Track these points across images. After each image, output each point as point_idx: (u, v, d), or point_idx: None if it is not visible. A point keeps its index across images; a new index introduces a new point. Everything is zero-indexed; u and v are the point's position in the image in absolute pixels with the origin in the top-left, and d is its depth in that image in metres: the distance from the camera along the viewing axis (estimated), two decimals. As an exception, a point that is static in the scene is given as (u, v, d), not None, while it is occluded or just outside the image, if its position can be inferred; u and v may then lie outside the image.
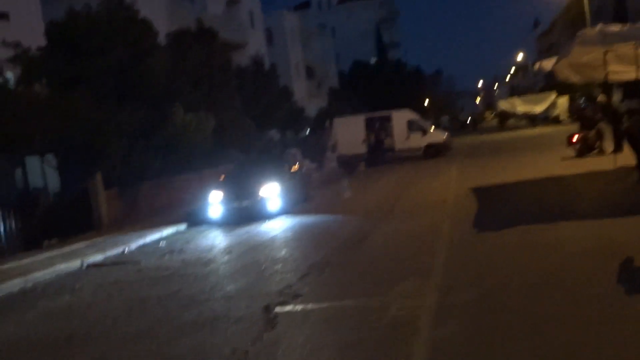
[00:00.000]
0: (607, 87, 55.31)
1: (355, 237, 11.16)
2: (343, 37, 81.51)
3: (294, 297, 7.18)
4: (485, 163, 23.83)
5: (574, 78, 15.84)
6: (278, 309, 6.77)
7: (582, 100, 56.85)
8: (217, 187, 17.02)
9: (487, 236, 9.46)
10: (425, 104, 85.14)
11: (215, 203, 16.41)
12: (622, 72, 15.75)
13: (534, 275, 6.91)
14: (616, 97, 32.45)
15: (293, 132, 35.89)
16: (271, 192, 16.39)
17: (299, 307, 6.82)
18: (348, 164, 31.44)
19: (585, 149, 19.88)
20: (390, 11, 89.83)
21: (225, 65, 25.26)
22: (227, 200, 16.36)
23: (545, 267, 7.19)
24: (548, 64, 15.86)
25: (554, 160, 20.47)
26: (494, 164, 22.88)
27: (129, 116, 18.41)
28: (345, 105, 44.42)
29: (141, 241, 13.86)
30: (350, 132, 32.25)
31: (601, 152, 19.75)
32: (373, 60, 73.44)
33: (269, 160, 20.38)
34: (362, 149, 32.23)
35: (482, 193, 14.65)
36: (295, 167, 19.72)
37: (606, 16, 61.71)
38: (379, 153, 32.41)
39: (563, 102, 55.70)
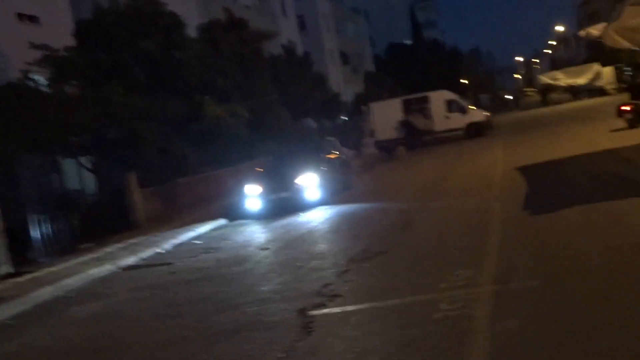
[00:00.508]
0: (654, 54, 52.45)
1: (398, 225, 10.55)
2: (377, 20, 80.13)
3: (332, 298, 6.59)
4: (530, 140, 22.84)
5: (625, 44, 14.77)
6: (314, 312, 6.20)
7: (630, 69, 54.80)
8: (254, 180, 16.58)
9: (542, 217, 8.72)
10: (464, 83, 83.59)
11: (252, 196, 15.97)
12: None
13: (601, 257, 6.17)
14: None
15: (329, 119, 35.26)
16: (309, 182, 15.88)
17: (337, 309, 6.23)
18: (387, 149, 30.73)
19: (637, 119, 18.77)
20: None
21: (257, 54, 24.79)
22: (265, 192, 15.91)
23: (613, 246, 6.44)
24: (596, 30, 14.86)
25: (604, 132, 19.42)
26: (540, 140, 21.89)
27: (161, 109, 18.14)
28: (382, 89, 43.62)
29: (177, 240, 13.47)
30: (387, 116, 31.53)
31: (655, 122, 18.66)
32: (409, 41, 72.19)
33: (306, 149, 19.83)
34: (400, 132, 31.48)
35: (532, 171, 13.82)
36: (333, 155, 19.16)
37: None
38: (418, 136, 31.60)
39: (608, 72, 53.79)
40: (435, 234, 9.21)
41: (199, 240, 13.61)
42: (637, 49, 15.43)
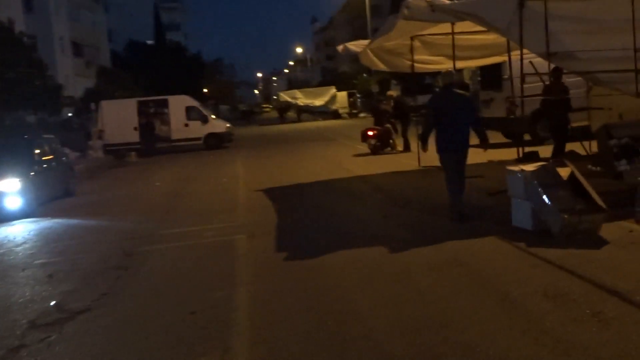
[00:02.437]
0: (384, 81, 56.62)
1: (115, 260, 7.93)
2: (118, 14, 74.93)
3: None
4: (274, 157, 21.61)
5: (380, 65, 14.06)
6: None
7: (360, 95, 58.06)
8: None
9: (303, 263, 6.89)
10: (205, 91, 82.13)
11: None
12: (431, 62, 14.33)
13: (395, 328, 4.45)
14: (395, 92, 32.47)
15: (51, 114, 30.63)
16: (9, 188, 12.44)
17: None
18: (117, 154, 27.39)
19: (380, 146, 18.49)
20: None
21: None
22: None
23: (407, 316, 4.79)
24: (355, 46, 13.88)
25: (348, 156, 18.86)
26: (283, 158, 20.73)
27: None
28: (116, 87, 39.77)
29: None
30: (120, 118, 28.14)
31: (394, 149, 18.57)
32: (151, 41, 68.53)
33: (11, 147, 15.97)
34: (134, 137, 28.31)
35: (281, 195, 12.17)
36: (49, 156, 15.65)
37: (385, 12, 63.76)
38: (153, 142, 28.75)
39: (342, 96, 56.30)
40: (164, 283, 6.80)
41: None
42: (389, 70, 14.83)
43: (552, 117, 12.15)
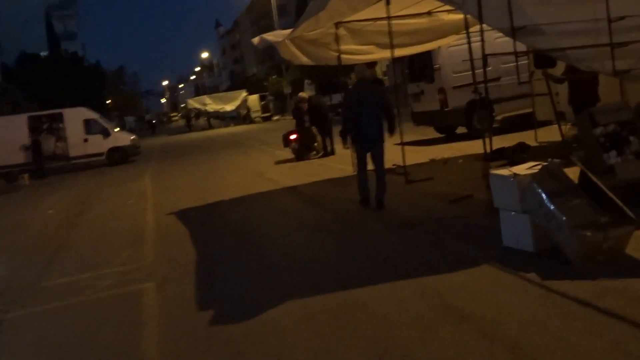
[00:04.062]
0: (296, 81, 54.76)
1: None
2: (6, 23, 69.69)
3: None
4: (185, 169, 19.39)
5: (302, 57, 12.17)
6: None
7: (273, 98, 56.09)
8: None
9: (235, 327, 4.93)
10: (108, 102, 77.92)
11: None
12: (359, 51, 12.59)
13: None
14: (308, 92, 30.66)
15: None
16: None
17: None
18: (7, 176, 24.28)
19: (304, 150, 16.65)
20: (64, -1, 79.72)
21: None
22: None
23: None
24: (272, 37, 11.97)
25: (269, 163, 16.93)
26: (196, 170, 18.54)
27: None
28: (6, 103, 36.15)
29: None
30: (9, 136, 25.02)
31: (317, 153, 16.77)
32: (45, 52, 63.87)
33: None
34: (25, 156, 25.24)
35: (198, 220, 10.08)
36: None
37: (290, 12, 62.13)
38: (47, 161, 25.76)
39: (254, 100, 54.28)
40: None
41: None
42: (313, 63, 12.92)
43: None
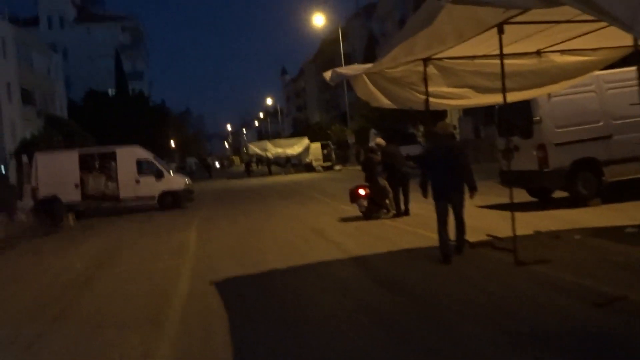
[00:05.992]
0: (361, 130, 52.39)
1: None
2: (77, 60, 70.91)
3: None
4: (236, 221, 17.34)
5: (381, 98, 9.98)
6: None
7: (335, 147, 54.19)
8: None
9: None
10: (172, 144, 78.03)
11: None
12: (450, 95, 10.33)
13: None
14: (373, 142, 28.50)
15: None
16: None
17: None
18: (51, 215, 22.77)
19: (373, 207, 14.38)
20: (134, 38, 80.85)
21: None
22: None
23: None
24: (348, 70, 9.87)
25: (333, 221, 14.71)
26: (250, 222, 16.48)
27: None
28: (61, 136, 35.42)
29: None
30: (58, 173, 23.69)
31: (388, 212, 14.45)
32: (112, 89, 64.33)
33: None
34: (74, 195, 23.82)
35: (243, 296, 7.85)
36: None
37: (357, 61, 60.77)
38: (96, 201, 24.27)
39: (315, 148, 52.41)
40: None
41: None
42: (394, 106, 10.62)
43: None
